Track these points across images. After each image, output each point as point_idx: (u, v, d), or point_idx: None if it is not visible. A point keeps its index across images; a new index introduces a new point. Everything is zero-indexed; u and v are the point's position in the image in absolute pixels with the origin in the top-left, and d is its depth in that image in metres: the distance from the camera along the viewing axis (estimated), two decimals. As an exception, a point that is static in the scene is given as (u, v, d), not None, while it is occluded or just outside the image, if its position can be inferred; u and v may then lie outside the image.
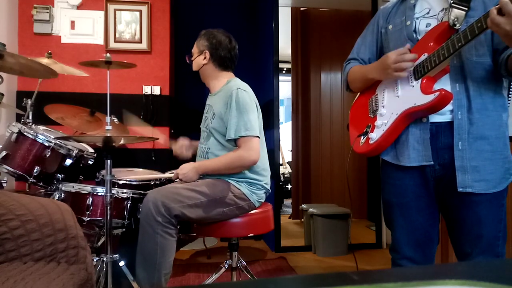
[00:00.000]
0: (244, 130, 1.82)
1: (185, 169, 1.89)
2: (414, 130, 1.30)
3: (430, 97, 1.21)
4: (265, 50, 3.65)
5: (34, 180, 2.04)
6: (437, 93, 1.20)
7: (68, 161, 2.12)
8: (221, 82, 2.01)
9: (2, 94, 2.22)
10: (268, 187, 1.99)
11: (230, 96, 1.87)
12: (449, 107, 1.24)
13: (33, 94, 2.35)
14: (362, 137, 1.42)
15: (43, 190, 2.14)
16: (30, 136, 2.04)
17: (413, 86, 1.28)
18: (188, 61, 2.09)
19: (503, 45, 1.21)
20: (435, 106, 1.21)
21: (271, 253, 3.32)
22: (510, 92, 1.96)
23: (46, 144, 2.05)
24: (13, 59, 1.76)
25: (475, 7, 1.23)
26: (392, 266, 1.43)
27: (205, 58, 2.00)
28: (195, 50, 2.05)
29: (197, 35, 2.06)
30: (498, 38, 1.22)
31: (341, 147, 4.37)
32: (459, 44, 1.14)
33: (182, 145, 2.13)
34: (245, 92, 1.89)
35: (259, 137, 1.88)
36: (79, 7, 3.06)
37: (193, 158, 2.13)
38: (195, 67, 2.06)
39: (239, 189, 1.87)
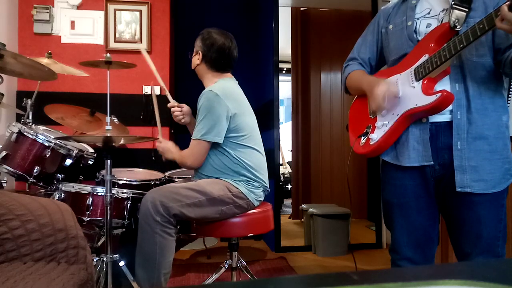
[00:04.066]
0: (197, 134, 1.85)
1: (166, 144, 1.97)
2: (414, 130, 1.30)
3: (431, 98, 1.21)
4: (265, 50, 3.65)
5: (34, 180, 2.04)
6: (439, 94, 1.20)
7: (68, 161, 2.12)
8: (211, 83, 1.97)
9: (2, 94, 2.22)
10: (267, 185, 1.99)
11: (200, 97, 1.88)
12: (449, 107, 1.24)
13: (33, 94, 2.35)
14: (363, 137, 1.42)
15: (43, 190, 2.14)
16: (30, 136, 2.04)
17: (414, 87, 1.28)
18: (190, 58, 2.08)
19: (505, 44, 1.21)
20: (437, 107, 1.22)
21: (271, 253, 3.32)
22: (510, 93, 1.96)
23: (46, 144, 2.05)
24: (13, 59, 1.76)
25: (475, 8, 1.23)
26: (392, 266, 1.43)
27: (198, 58, 2.00)
28: (195, 48, 2.05)
29: (197, 35, 2.05)
30: (499, 37, 1.22)
31: (341, 147, 4.37)
32: (461, 46, 1.14)
33: (182, 105, 2.06)
34: (211, 95, 1.84)
35: (216, 143, 1.86)
36: (79, 7, 3.05)
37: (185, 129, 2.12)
38: (192, 66, 2.06)
39: (237, 188, 1.87)
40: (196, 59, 2.01)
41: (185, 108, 2.06)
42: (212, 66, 1.98)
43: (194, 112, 2.01)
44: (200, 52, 1.98)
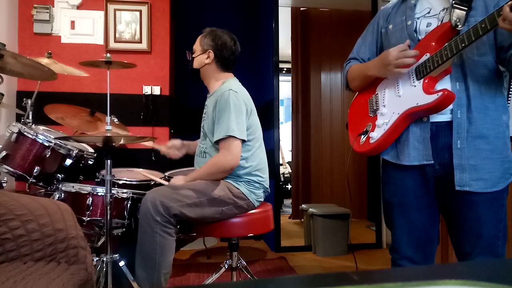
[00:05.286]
0: (225, 132, 1.80)
1: (178, 180, 1.92)
2: (414, 129, 1.30)
3: (433, 97, 1.21)
4: (265, 50, 3.65)
5: (34, 180, 2.04)
6: (440, 93, 1.20)
7: (68, 161, 2.12)
8: (219, 83, 1.98)
9: (2, 94, 2.21)
10: (267, 186, 1.99)
11: (220, 97, 1.86)
12: (449, 106, 1.24)
13: (33, 94, 2.35)
14: (363, 136, 1.42)
15: (43, 190, 2.14)
16: (30, 136, 2.04)
17: (415, 86, 1.28)
18: (188, 58, 2.05)
19: (508, 42, 1.21)
20: (438, 106, 1.22)
21: (271, 253, 3.32)
22: (510, 93, 1.96)
23: (46, 144, 2.05)
24: (13, 59, 1.76)
25: (476, 7, 1.23)
26: (392, 266, 1.43)
27: (208, 57, 1.98)
28: (197, 47, 2.02)
29: (197, 35, 2.04)
30: (501, 36, 1.22)
31: (341, 147, 4.37)
32: (463, 45, 1.14)
33: (172, 146, 2.10)
34: (235, 94, 1.86)
35: (244, 140, 1.85)
36: (79, 7, 3.05)
37: (186, 157, 2.11)
38: (196, 65, 2.02)
39: (238, 188, 1.87)
40: (203, 58, 1.99)
41: (176, 142, 2.10)
42: (223, 66, 1.99)
43: (198, 114, 1.99)
44: (211, 51, 1.97)
